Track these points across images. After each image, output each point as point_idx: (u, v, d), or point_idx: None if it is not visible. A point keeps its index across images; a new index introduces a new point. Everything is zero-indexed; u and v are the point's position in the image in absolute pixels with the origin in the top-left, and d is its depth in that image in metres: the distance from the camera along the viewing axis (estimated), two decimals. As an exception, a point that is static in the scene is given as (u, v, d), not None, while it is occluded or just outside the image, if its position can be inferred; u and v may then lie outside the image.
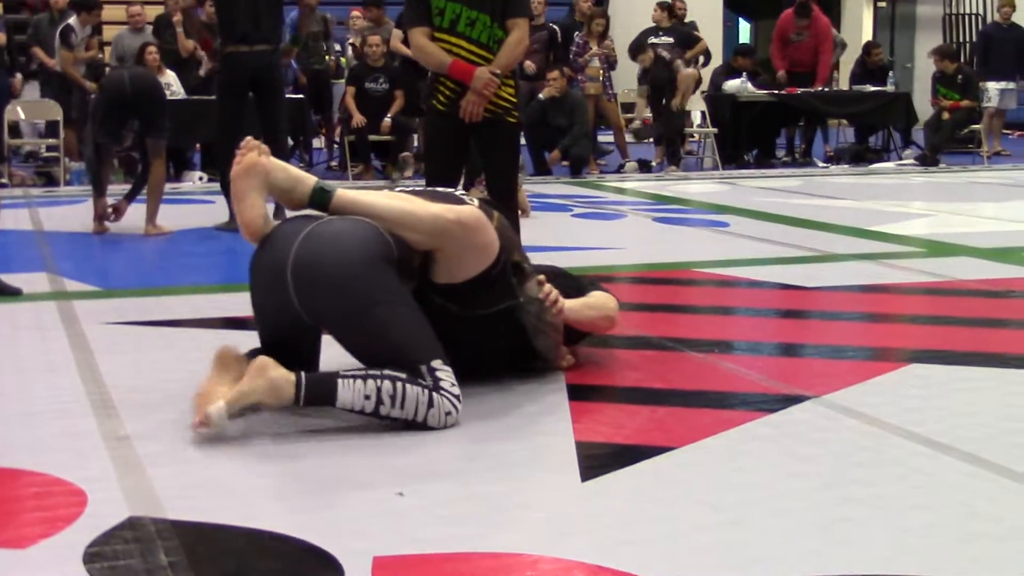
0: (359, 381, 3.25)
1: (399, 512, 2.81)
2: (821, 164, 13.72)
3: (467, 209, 3.60)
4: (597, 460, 3.19)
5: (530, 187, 10.28)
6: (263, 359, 3.28)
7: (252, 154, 3.50)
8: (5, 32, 11.94)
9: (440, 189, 3.87)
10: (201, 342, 4.63)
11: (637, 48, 13.26)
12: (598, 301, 4.09)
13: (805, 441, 3.34)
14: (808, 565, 2.50)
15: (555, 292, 3.86)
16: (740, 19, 24.16)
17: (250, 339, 3.67)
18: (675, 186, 11.27)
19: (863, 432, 3.43)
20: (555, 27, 12.61)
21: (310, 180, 3.55)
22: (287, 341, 3.53)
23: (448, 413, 3.35)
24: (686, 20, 14.08)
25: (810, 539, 2.64)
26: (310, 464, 3.14)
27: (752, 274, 6.17)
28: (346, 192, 3.55)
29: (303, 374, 3.26)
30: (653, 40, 13.30)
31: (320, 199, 3.52)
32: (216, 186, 8.71)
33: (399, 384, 3.27)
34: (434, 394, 3.32)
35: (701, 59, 13.41)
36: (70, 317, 5.07)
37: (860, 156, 13.92)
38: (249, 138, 3.58)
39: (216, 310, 5.28)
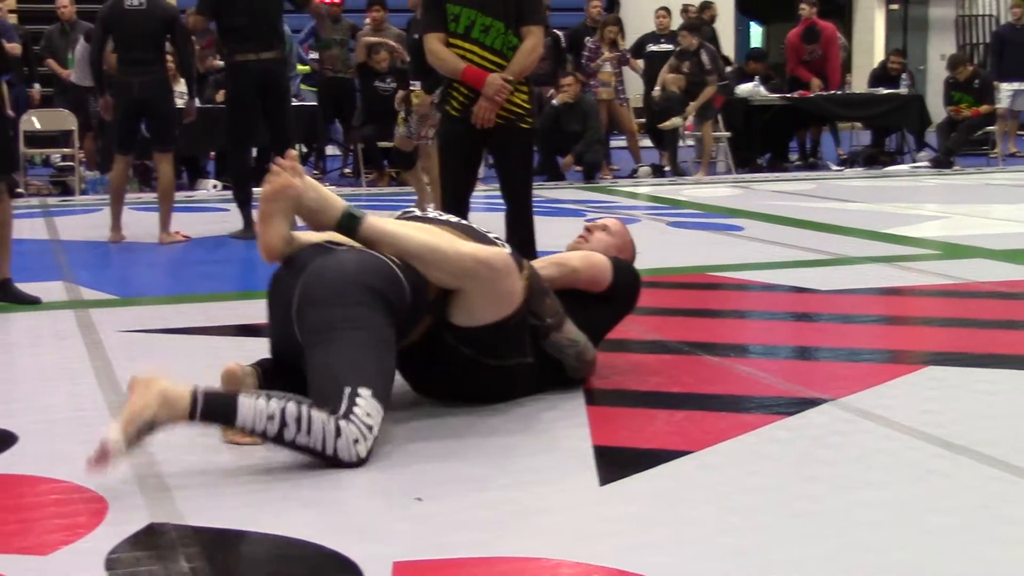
0: (262, 400, 3.06)
1: (419, 517, 2.82)
2: (835, 167, 13.70)
3: (497, 252, 3.53)
4: (615, 464, 3.20)
5: (543, 192, 10.29)
6: (146, 375, 3.06)
7: (285, 176, 3.40)
8: (22, 43, 11.99)
9: (474, 226, 3.76)
10: (217, 349, 4.65)
11: (634, 55, 13.30)
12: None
13: (822, 444, 3.34)
14: (826, 569, 2.50)
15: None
16: (752, 23, 24.13)
17: (263, 346, 3.68)
18: (688, 190, 11.26)
19: (880, 435, 3.43)
20: (558, 33, 12.61)
21: (340, 205, 3.47)
22: (294, 357, 3.43)
23: (356, 440, 3.10)
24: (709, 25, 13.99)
25: (828, 542, 2.64)
26: (329, 470, 3.14)
27: (767, 277, 6.17)
28: (375, 221, 3.47)
29: (200, 389, 3.05)
30: (652, 47, 13.28)
31: (348, 224, 3.44)
32: (231, 194, 8.72)
33: (304, 408, 3.06)
34: (342, 422, 3.09)
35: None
36: (87, 325, 5.09)
37: (874, 159, 13.90)
38: (292, 154, 3.48)
39: (232, 317, 5.29)
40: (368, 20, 12.20)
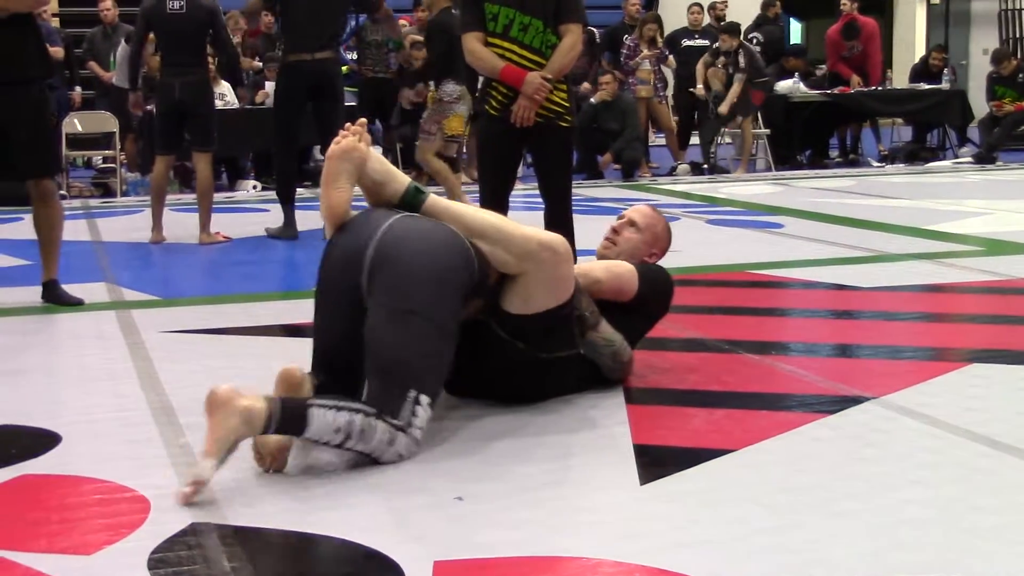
0: (331, 413, 3.06)
1: (458, 516, 2.82)
2: (876, 163, 13.61)
3: (557, 237, 3.54)
4: (655, 463, 3.19)
5: (582, 191, 10.27)
6: (224, 392, 2.99)
7: (352, 138, 3.40)
8: (63, 46, 12.11)
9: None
10: (258, 349, 4.68)
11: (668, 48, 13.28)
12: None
13: (864, 442, 3.32)
14: (869, 568, 2.48)
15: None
16: (791, 19, 24.00)
17: (305, 347, 3.68)
18: (728, 188, 11.22)
19: (924, 433, 3.40)
20: (593, 29, 12.58)
21: (405, 179, 3.49)
22: (337, 352, 3.42)
23: (401, 455, 3.16)
24: (725, 21, 13.98)
25: (871, 541, 2.62)
26: (369, 470, 3.15)
27: (807, 275, 6.13)
28: (439, 199, 3.49)
29: (276, 404, 3.04)
30: (687, 42, 13.23)
31: (413, 199, 3.45)
32: (270, 194, 8.77)
33: (371, 420, 3.10)
34: (399, 435, 3.14)
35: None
36: (129, 326, 5.13)
37: (915, 155, 13.79)
38: (362, 121, 3.44)
39: (272, 317, 5.32)
40: (416, 18, 12.25)
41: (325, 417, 3.06)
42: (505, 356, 3.58)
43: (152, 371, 4.30)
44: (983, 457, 3.18)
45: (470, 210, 3.50)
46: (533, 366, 3.62)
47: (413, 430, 3.18)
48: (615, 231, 4.23)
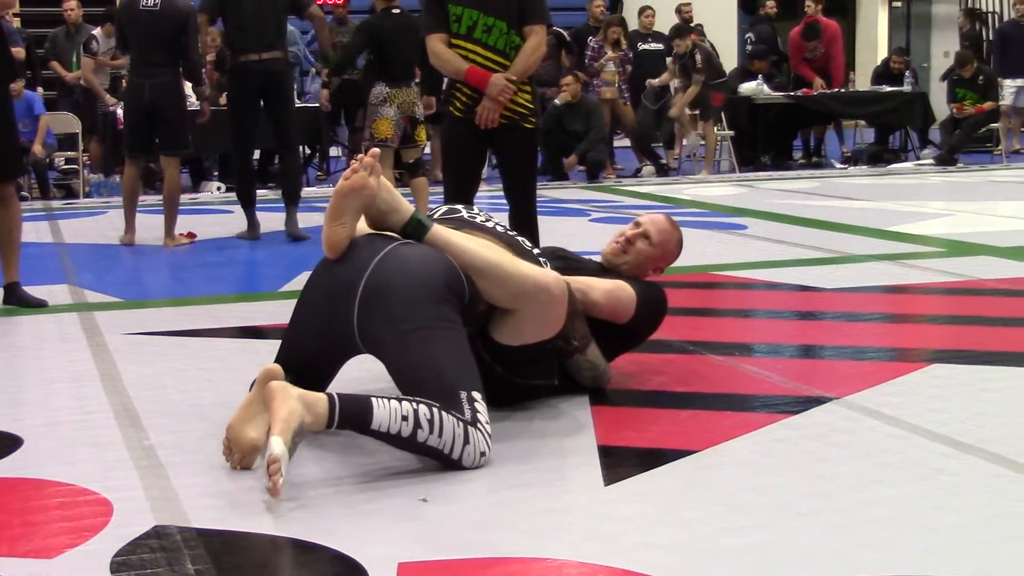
0: (394, 402, 3.05)
1: (423, 518, 2.82)
2: (839, 165, 13.69)
3: (555, 279, 3.50)
4: (620, 464, 3.20)
5: (547, 192, 10.29)
6: (275, 383, 3.02)
7: (363, 175, 3.33)
8: (25, 47, 12.01)
9: (519, 239, 3.68)
10: (222, 351, 4.66)
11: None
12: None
13: (828, 443, 3.34)
14: (834, 567, 2.50)
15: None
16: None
17: (269, 348, 3.67)
18: (692, 189, 11.26)
19: (886, 433, 3.43)
20: (561, 31, 12.60)
21: (408, 209, 3.44)
22: (310, 362, 3.42)
23: (483, 453, 3.14)
24: (693, 24, 14.04)
25: (835, 541, 2.64)
26: (333, 470, 3.14)
27: (771, 276, 6.17)
28: (441, 230, 3.44)
29: (335, 394, 3.04)
30: (642, 46, 13.27)
31: (415, 231, 3.41)
32: (234, 196, 8.73)
33: (435, 410, 3.07)
34: (470, 429, 3.12)
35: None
36: (92, 328, 5.09)
37: (878, 157, 13.89)
38: (374, 152, 3.39)
39: (236, 319, 5.29)
40: (334, 16, 12.22)
41: (389, 405, 3.02)
42: (483, 375, 3.57)
43: (115, 373, 4.28)
44: (944, 457, 3.21)
45: (470, 245, 3.43)
46: (507, 386, 3.62)
47: (481, 426, 3.15)
48: (628, 241, 4.17)
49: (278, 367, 3.26)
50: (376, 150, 3.44)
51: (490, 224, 3.68)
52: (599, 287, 3.95)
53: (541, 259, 3.68)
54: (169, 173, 7.94)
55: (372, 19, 8.78)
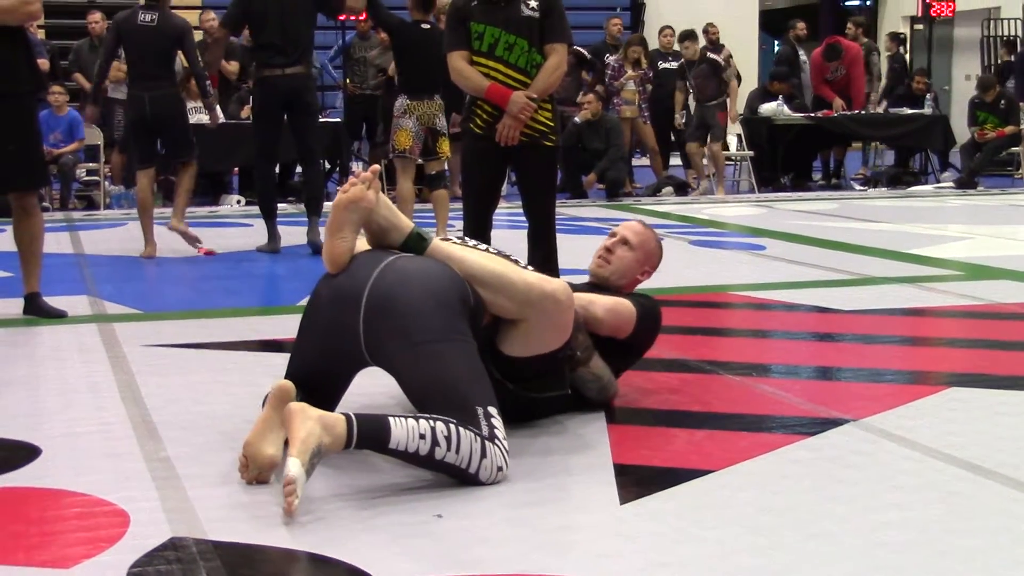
0: (411, 420, 3.03)
1: (439, 534, 2.83)
2: (858, 187, 13.68)
3: (561, 285, 3.51)
4: (636, 483, 3.20)
5: (566, 210, 10.30)
6: (294, 404, 3.02)
7: (361, 187, 3.36)
8: (49, 58, 12.09)
9: (511, 258, 3.63)
10: (240, 364, 4.68)
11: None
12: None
13: (844, 464, 3.33)
14: (848, 589, 2.49)
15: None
16: (776, 42, 24.12)
17: (287, 361, 3.68)
18: (711, 209, 11.26)
19: (903, 456, 3.42)
20: (582, 50, 12.63)
21: (408, 225, 3.45)
22: (319, 377, 3.43)
23: (500, 468, 3.13)
24: (719, 43, 14.07)
25: (850, 563, 2.63)
26: (350, 485, 3.15)
27: (789, 297, 6.16)
28: (442, 244, 3.46)
29: (352, 415, 3.02)
30: (662, 65, 13.29)
31: (415, 247, 3.42)
32: (254, 209, 8.78)
33: (452, 426, 3.06)
34: (488, 444, 3.11)
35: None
36: (111, 339, 5.12)
37: (897, 179, 13.87)
38: (374, 168, 3.41)
39: (254, 333, 5.32)
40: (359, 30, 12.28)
41: (406, 424, 3.03)
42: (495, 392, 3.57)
43: (133, 385, 4.30)
44: (961, 480, 3.20)
45: (472, 256, 3.44)
46: (521, 402, 3.62)
47: (499, 441, 3.15)
48: (608, 250, 4.18)
49: (290, 384, 3.27)
50: (376, 167, 3.46)
51: (483, 247, 3.66)
52: (600, 302, 3.95)
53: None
54: (188, 174, 8.18)
55: (403, 28, 8.80)
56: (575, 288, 4.09)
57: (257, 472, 3.15)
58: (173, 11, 8.22)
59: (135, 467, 3.34)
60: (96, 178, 11.71)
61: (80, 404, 4.06)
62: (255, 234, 8.61)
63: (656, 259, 4.24)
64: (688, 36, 12.81)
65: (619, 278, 4.14)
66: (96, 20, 12.44)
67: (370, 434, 3.02)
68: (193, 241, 8.08)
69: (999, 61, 16.92)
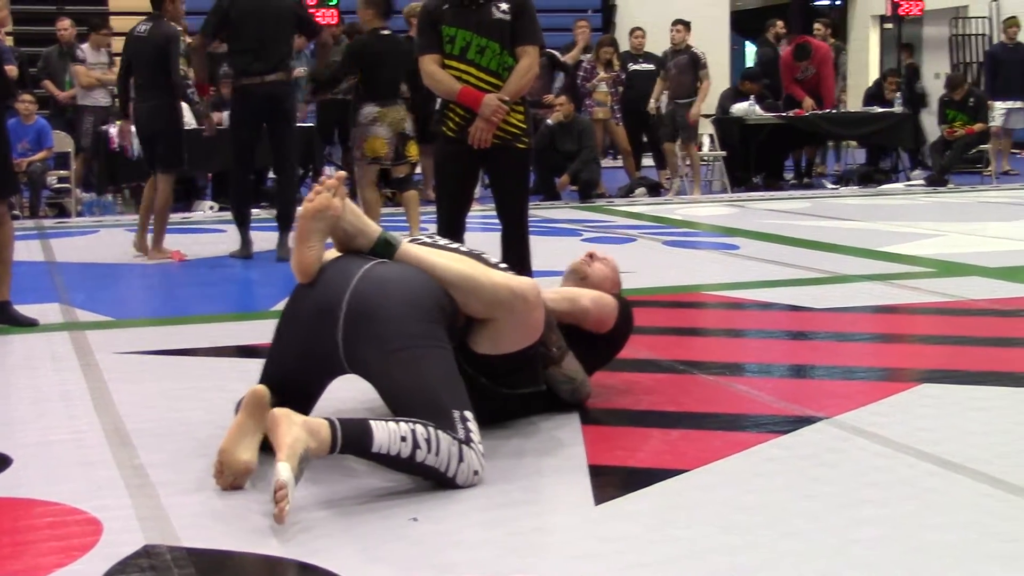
0: (391, 423, 3.06)
1: (414, 537, 2.82)
2: (830, 185, 13.74)
3: (530, 284, 3.54)
4: (610, 483, 3.20)
5: (539, 212, 10.30)
6: (278, 410, 3.02)
7: (327, 196, 3.37)
8: (17, 65, 12.03)
9: (484, 255, 3.66)
10: (214, 371, 4.66)
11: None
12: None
13: (817, 462, 3.34)
14: (822, 586, 2.50)
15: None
16: (747, 42, 24.21)
17: (261, 367, 3.67)
18: (684, 209, 11.29)
19: (876, 452, 3.44)
20: (554, 52, 12.63)
21: (376, 230, 3.47)
22: (294, 383, 3.42)
23: (476, 472, 3.15)
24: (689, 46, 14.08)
25: (824, 560, 2.64)
26: (323, 490, 3.14)
27: (762, 296, 6.18)
28: (410, 248, 3.46)
29: (335, 420, 3.04)
30: (633, 67, 13.31)
31: (383, 252, 3.43)
32: (227, 215, 8.74)
33: (431, 429, 3.08)
34: (464, 447, 3.13)
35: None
36: (83, 347, 5.09)
37: (869, 177, 13.94)
38: (340, 175, 3.42)
39: (228, 339, 5.30)
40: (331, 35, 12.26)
41: (388, 427, 3.05)
42: (468, 388, 3.57)
43: (106, 392, 4.27)
44: (933, 476, 3.22)
45: (440, 260, 3.45)
46: (495, 400, 3.62)
47: (474, 444, 3.17)
48: (591, 256, 4.28)
49: (264, 389, 3.26)
50: (342, 173, 3.46)
51: (453, 246, 3.70)
52: (586, 295, 4.02)
53: (509, 272, 3.69)
54: (161, 188, 8.09)
55: (361, 40, 8.81)
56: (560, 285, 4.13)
57: (232, 478, 3.15)
58: (186, 15, 8.26)
59: (108, 475, 3.33)
60: (67, 185, 11.65)
61: (52, 413, 4.03)
62: (228, 240, 8.58)
63: (618, 288, 4.30)
64: (684, 23, 12.72)
65: (598, 281, 4.19)
66: (65, 27, 12.38)
67: (353, 438, 3.03)
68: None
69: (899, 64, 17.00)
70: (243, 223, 8.08)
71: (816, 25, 14.64)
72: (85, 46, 11.95)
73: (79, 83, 11.89)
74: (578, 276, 4.24)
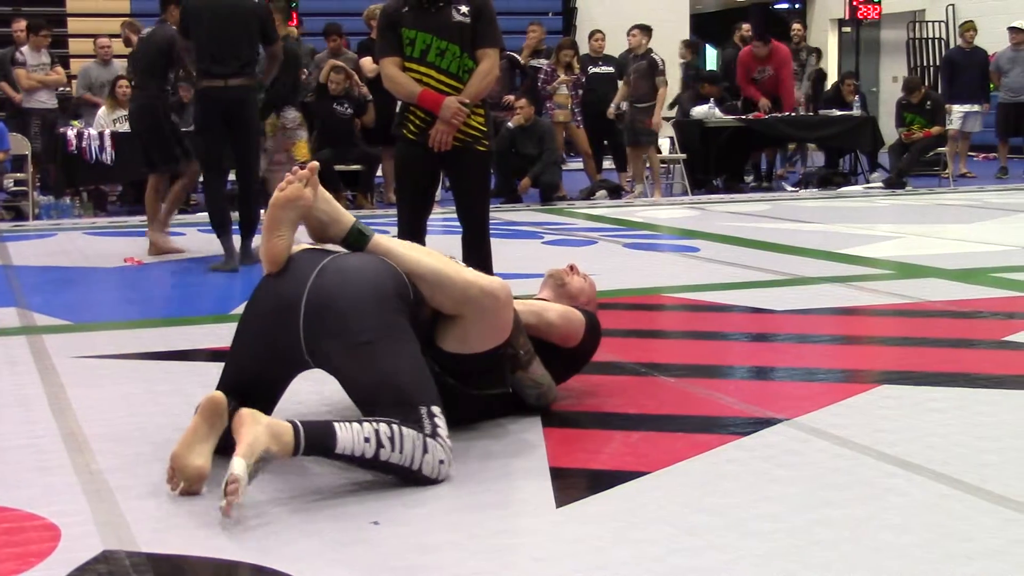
0: (355, 424, 3.06)
1: (376, 540, 2.81)
2: (789, 188, 13.82)
3: (500, 283, 3.53)
4: (572, 486, 3.20)
5: (500, 215, 10.30)
6: (245, 409, 3.03)
7: (298, 186, 3.37)
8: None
9: (451, 257, 3.65)
10: (172, 374, 4.62)
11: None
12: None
13: (778, 464, 3.36)
14: (783, 587, 2.51)
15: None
16: (707, 46, 24.32)
17: (220, 370, 3.65)
18: (645, 212, 11.32)
19: (835, 454, 3.45)
20: (514, 54, 12.66)
21: (349, 219, 3.46)
22: (257, 379, 3.41)
23: (441, 461, 3.15)
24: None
25: (785, 561, 2.65)
26: (285, 491, 3.13)
27: (723, 298, 6.20)
28: (382, 239, 3.46)
29: (299, 422, 3.03)
30: (593, 69, 13.34)
31: (356, 241, 3.43)
32: (186, 218, 8.68)
33: (395, 426, 3.08)
34: (429, 440, 3.13)
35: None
36: (40, 351, 5.04)
37: (828, 180, 14.03)
38: (312, 165, 3.41)
39: (187, 342, 5.26)
40: (329, 47, 12.27)
41: (351, 428, 3.04)
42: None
43: (63, 397, 4.23)
44: (892, 477, 3.24)
45: (411, 252, 3.45)
46: (460, 399, 3.61)
47: (441, 438, 3.17)
48: (572, 268, 4.30)
49: (221, 395, 3.23)
50: (315, 163, 3.45)
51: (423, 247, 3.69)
52: (554, 308, 4.00)
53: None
54: (149, 184, 8.48)
55: (285, 46, 8.90)
56: (528, 298, 4.12)
57: (185, 483, 3.12)
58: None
59: (65, 480, 3.29)
60: (24, 188, 11.55)
61: (8, 418, 3.99)
62: (187, 242, 8.52)
63: (594, 306, 4.31)
64: (642, 28, 12.71)
65: (575, 292, 4.21)
66: (21, 28, 12.29)
67: (317, 441, 3.02)
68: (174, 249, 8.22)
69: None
70: (223, 230, 7.68)
71: (795, 26, 14.66)
72: (25, 48, 11.89)
73: (20, 86, 11.82)
74: (556, 282, 4.23)
